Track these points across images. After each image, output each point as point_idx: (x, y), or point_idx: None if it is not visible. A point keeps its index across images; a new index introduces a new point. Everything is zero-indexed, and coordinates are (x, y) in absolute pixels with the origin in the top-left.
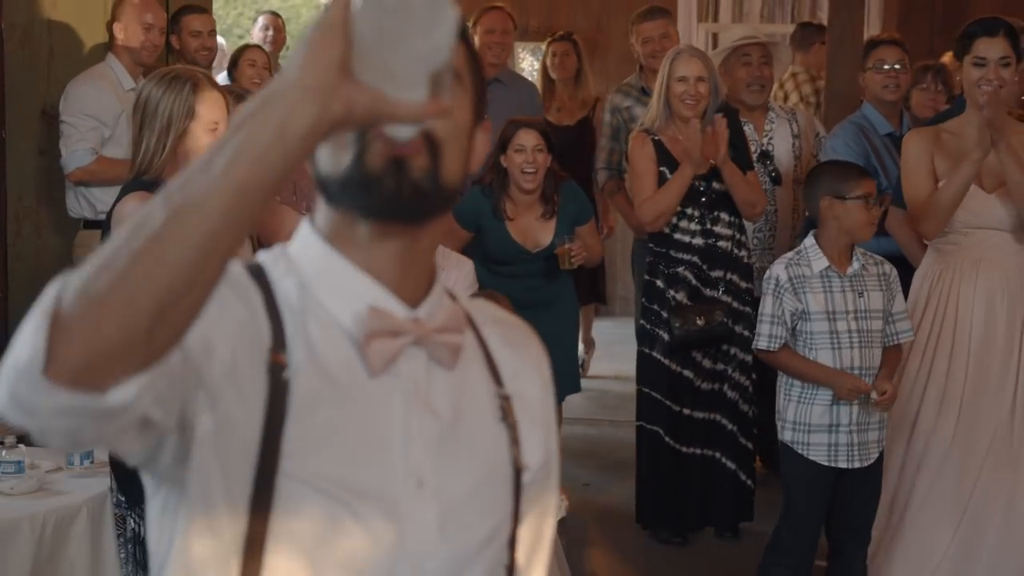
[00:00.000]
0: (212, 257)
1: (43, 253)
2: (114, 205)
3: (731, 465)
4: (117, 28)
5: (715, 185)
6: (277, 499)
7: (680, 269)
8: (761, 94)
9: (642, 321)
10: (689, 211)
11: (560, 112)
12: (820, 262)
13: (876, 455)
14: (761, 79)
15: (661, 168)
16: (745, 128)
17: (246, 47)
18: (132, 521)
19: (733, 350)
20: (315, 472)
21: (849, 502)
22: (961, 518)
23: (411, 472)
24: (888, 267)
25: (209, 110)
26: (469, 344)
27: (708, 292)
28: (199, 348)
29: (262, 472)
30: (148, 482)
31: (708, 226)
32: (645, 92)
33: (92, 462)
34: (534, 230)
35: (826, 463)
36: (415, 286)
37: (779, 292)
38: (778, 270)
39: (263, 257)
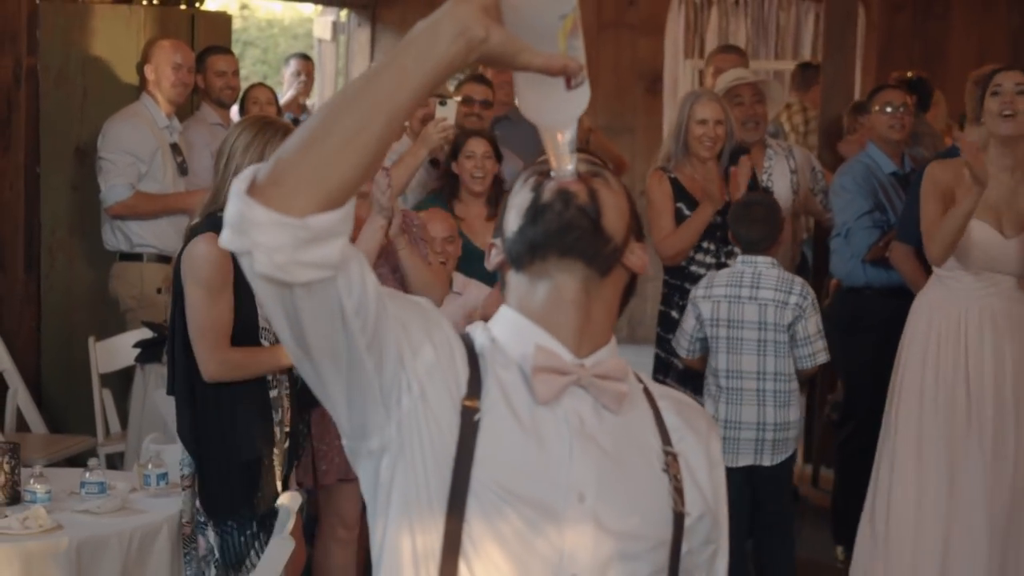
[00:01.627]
0: (373, 125)
1: (75, 284)
2: (184, 246)
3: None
4: (148, 69)
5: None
6: (469, 505)
7: None
8: (756, 131)
9: (657, 350)
10: (705, 244)
11: None
12: None
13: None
14: (755, 117)
15: (678, 204)
16: None
17: (252, 87)
18: (206, 540)
19: None
20: (499, 483)
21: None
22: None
23: (572, 486)
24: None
25: None
26: (640, 404)
27: None
28: (411, 332)
29: (457, 480)
30: (363, 458)
31: (723, 259)
32: None
33: (167, 483)
34: (482, 230)
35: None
36: (589, 343)
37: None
38: (699, 290)
39: (469, 328)
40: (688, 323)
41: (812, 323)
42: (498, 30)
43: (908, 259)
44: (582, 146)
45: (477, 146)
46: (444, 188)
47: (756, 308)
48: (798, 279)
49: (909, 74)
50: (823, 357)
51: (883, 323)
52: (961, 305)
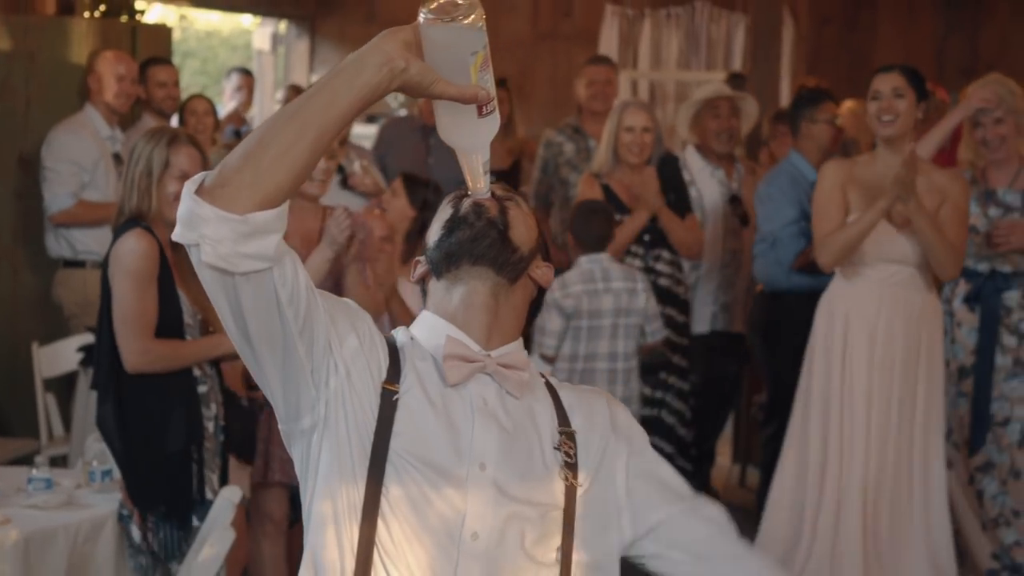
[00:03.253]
0: (305, 140)
1: (20, 291)
2: (111, 246)
3: None
4: (92, 80)
5: (657, 225)
6: (387, 472)
7: None
8: (729, 143)
9: None
10: (633, 249)
11: (492, 158)
12: None
13: None
14: (729, 130)
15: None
16: (715, 175)
17: (190, 98)
18: (135, 532)
19: (671, 378)
20: (412, 453)
21: None
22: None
23: (475, 457)
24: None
25: (179, 161)
26: (540, 392)
27: None
28: (338, 322)
29: (376, 450)
30: (296, 439)
31: (650, 264)
32: (577, 131)
33: (111, 479)
34: None
35: None
36: (498, 339)
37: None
38: (556, 294)
39: (392, 331)
40: (555, 324)
41: (653, 303)
42: (417, 62)
43: None
44: None
45: None
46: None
47: (612, 297)
48: (634, 268)
49: (811, 84)
50: (664, 331)
51: (805, 325)
52: (864, 299)
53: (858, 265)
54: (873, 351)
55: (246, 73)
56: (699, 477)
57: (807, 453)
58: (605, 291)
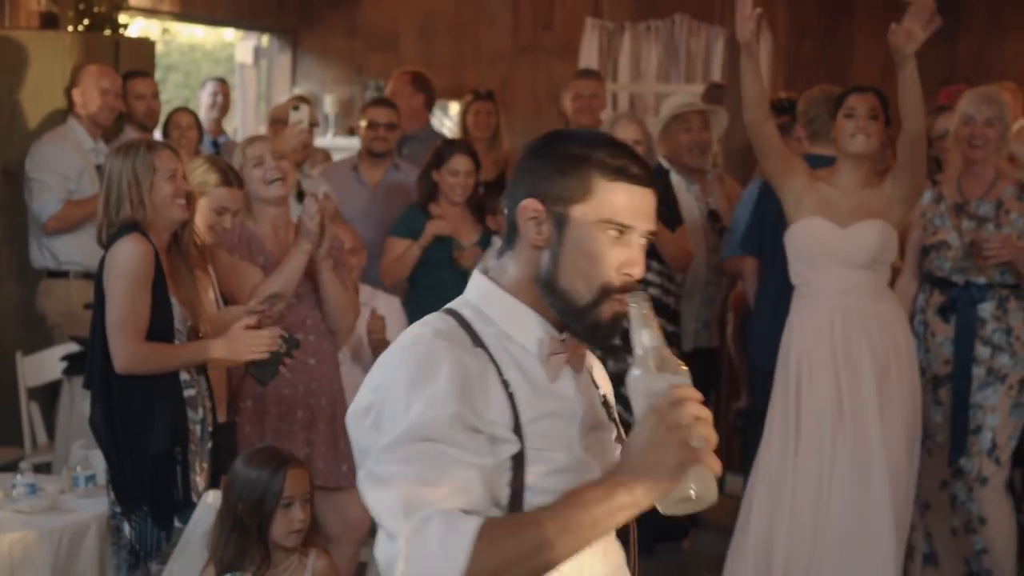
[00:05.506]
0: (560, 557)
1: (3, 301)
2: (106, 252)
3: None
4: (76, 93)
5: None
6: (527, 460)
7: None
8: (702, 157)
9: None
10: None
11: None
12: None
13: None
14: (701, 143)
15: None
16: (691, 189)
17: (175, 111)
18: (126, 529)
19: None
20: (540, 440)
21: None
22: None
23: (581, 436)
24: None
25: (164, 163)
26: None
27: None
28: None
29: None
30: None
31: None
32: None
33: (95, 484)
34: (461, 227)
35: None
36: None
37: None
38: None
39: (464, 313)
40: None
41: None
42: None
43: (753, 272)
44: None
45: (461, 164)
46: (422, 194)
47: None
48: None
49: (782, 95)
50: None
51: None
52: (820, 309)
53: (808, 271)
54: (836, 365)
55: (221, 82)
56: None
57: (774, 463)
58: None
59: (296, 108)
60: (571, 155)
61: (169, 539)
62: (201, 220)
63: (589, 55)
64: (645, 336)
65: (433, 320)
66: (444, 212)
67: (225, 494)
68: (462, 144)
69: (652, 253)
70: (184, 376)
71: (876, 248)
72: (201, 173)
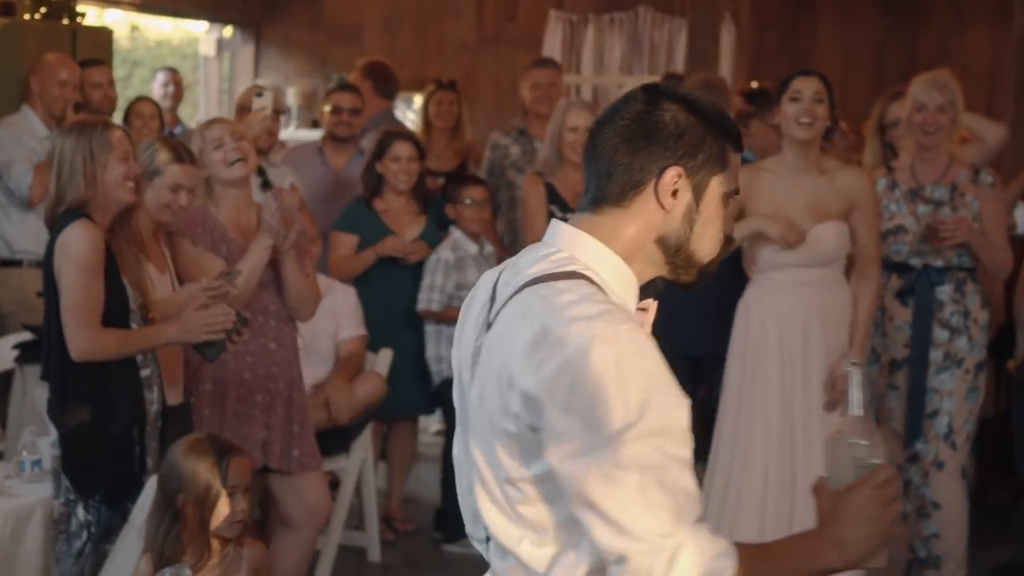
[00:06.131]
0: None
1: None
2: (53, 238)
3: None
4: (34, 81)
5: None
6: None
7: None
8: None
9: None
10: None
11: (439, 159)
12: (472, 246)
13: None
14: None
15: (551, 207)
16: None
17: (135, 100)
18: (81, 513)
19: None
20: None
21: None
22: None
23: None
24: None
25: (119, 144)
26: None
27: None
28: None
29: None
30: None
31: None
32: (523, 133)
33: (40, 469)
34: (404, 219)
35: None
36: None
37: (447, 269)
38: (445, 252)
39: (599, 283)
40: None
41: None
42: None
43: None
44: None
45: (403, 149)
46: (367, 186)
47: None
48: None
49: (753, 85)
50: None
51: None
52: (776, 301)
53: (767, 270)
54: (784, 350)
55: (173, 71)
56: None
57: (722, 451)
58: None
59: (260, 95)
60: (712, 126)
61: (125, 521)
62: (156, 199)
63: (553, 47)
64: (858, 401)
65: (599, 296)
66: (388, 204)
67: (162, 485)
68: (403, 132)
69: None
70: (138, 356)
71: (833, 250)
72: (152, 153)
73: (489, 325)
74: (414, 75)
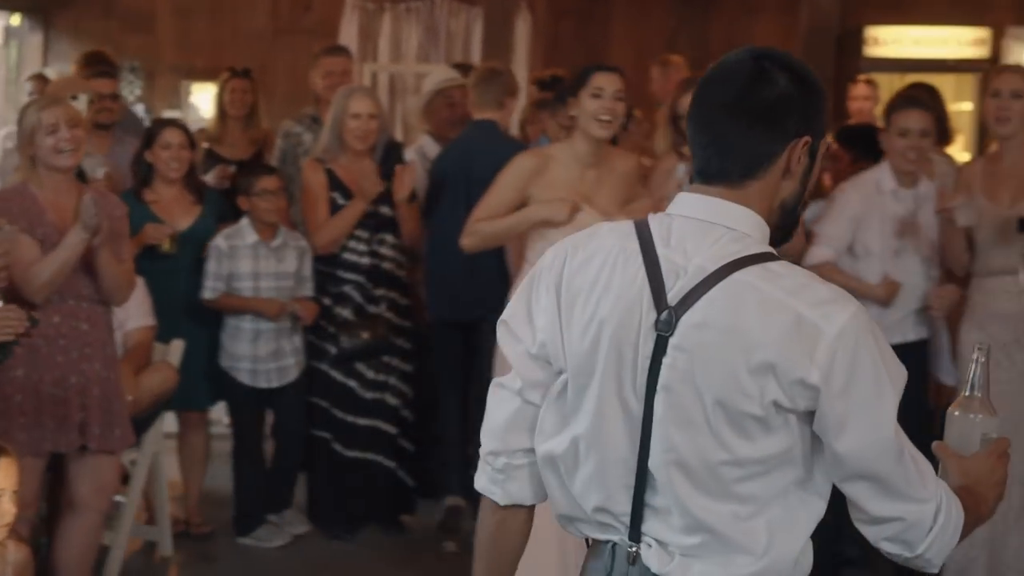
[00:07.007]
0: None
1: None
2: None
3: (391, 465)
4: None
5: (382, 210)
6: None
7: (346, 288)
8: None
9: (311, 336)
10: (358, 233)
11: (234, 148)
12: (251, 235)
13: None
14: (464, 117)
15: (333, 194)
16: None
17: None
18: None
19: (395, 361)
20: None
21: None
22: None
23: None
24: (304, 242)
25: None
26: None
27: (372, 309)
28: None
29: None
30: None
31: (374, 247)
32: (316, 121)
33: None
34: (176, 209)
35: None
36: None
37: (220, 256)
38: (219, 239)
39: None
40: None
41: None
42: None
43: None
44: None
45: (173, 136)
46: (136, 176)
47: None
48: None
49: (548, 74)
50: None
51: None
52: None
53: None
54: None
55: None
56: (429, 460)
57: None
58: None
59: (75, 98)
60: (821, 94)
61: None
62: None
63: (349, 36)
64: (981, 383)
65: (806, 273)
66: (159, 194)
67: None
68: (172, 120)
69: (386, 227)
70: None
71: None
72: None
73: (669, 309)
74: (208, 63)
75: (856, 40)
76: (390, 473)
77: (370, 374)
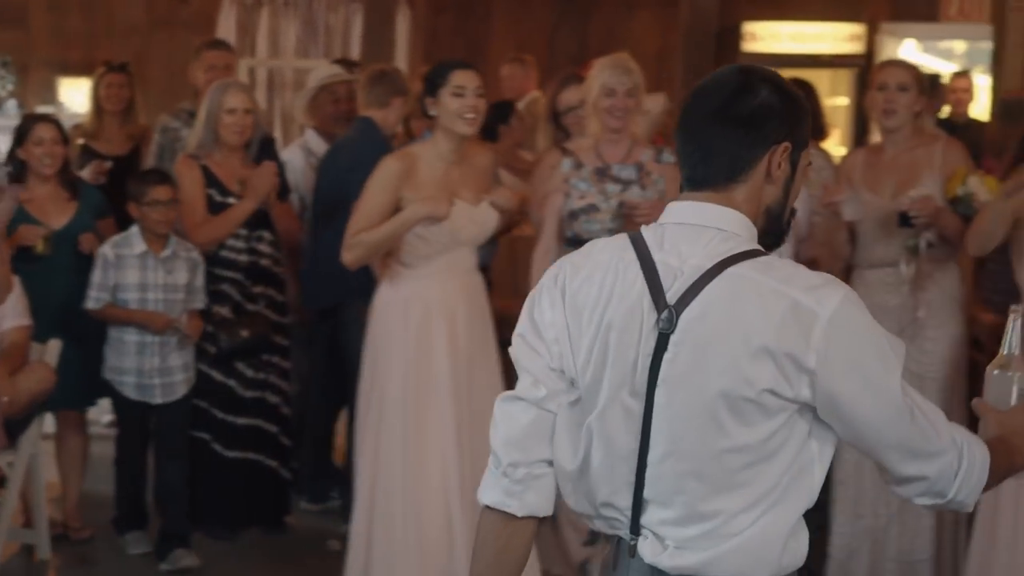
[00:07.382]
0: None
1: None
2: None
3: (272, 463)
4: None
5: (259, 208)
6: None
7: (224, 286)
8: (348, 126)
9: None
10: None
11: (111, 143)
12: (140, 245)
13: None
14: (349, 113)
15: (209, 191)
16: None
17: None
18: None
19: (274, 359)
20: None
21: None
22: None
23: None
24: (196, 253)
25: None
26: None
27: (250, 306)
28: None
29: None
30: None
31: (252, 244)
32: (193, 116)
33: None
34: (51, 207)
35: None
36: None
37: (106, 265)
38: (105, 248)
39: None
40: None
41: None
42: None
43: None
44: None
45: (45, 131)
46: (10, 174)
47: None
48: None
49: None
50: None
51: None
52: (419, 294)
53: (420, 262)
54: (450, 342)
55: None
56: (320, 459)
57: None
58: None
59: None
60: (804, 109)
61: None
62: None
63: (227, 30)
64: (1017, 343)
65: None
66: (32, 192)
67: None
68: (44, 115)
69: (263, 224)
70: None
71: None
72: None
73: (669, 308)
74: (83, 57)
75: (734, 36)
76: (272, 472)
77: (250, 372)
